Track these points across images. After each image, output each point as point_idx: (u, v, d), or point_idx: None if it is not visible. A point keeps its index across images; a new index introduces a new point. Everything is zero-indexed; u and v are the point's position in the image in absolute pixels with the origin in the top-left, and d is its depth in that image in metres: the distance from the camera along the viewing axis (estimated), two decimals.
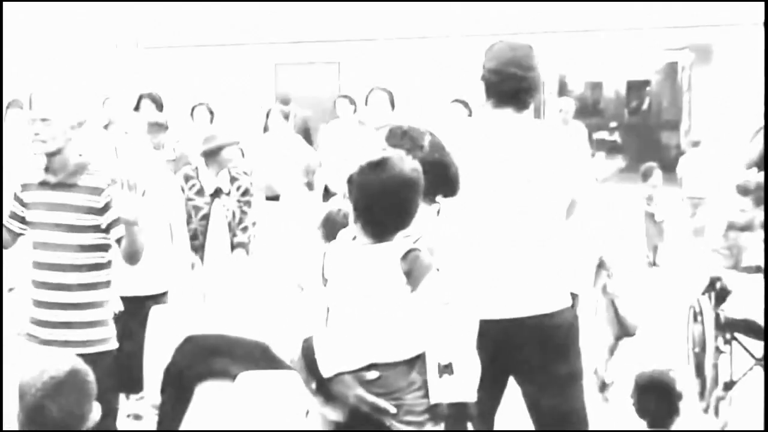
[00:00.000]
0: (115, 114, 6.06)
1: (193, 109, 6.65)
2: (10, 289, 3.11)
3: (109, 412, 2.37)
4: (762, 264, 3.48)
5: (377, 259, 1.42)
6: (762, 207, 3.52)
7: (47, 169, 2.26)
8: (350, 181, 1.50)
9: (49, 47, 8.76)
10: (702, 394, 3.55)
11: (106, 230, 2.23)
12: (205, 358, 2.26)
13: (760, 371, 3.40)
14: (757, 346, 3.47)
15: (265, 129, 6.38)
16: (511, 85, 1.84)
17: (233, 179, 3.71)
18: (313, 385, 1.44)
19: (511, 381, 1.95)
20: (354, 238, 1.50)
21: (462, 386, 1.40)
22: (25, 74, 7.96)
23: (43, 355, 1.53)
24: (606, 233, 3.52)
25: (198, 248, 3.57)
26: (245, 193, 3.74)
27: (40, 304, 2.27)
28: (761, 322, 3.24)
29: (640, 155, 7.58)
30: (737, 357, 3.45)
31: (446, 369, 1.38)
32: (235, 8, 8.88)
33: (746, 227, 3.54)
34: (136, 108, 6.37)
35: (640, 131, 11.25)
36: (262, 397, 1.86)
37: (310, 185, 4.58)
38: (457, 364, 1.39)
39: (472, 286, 1.64)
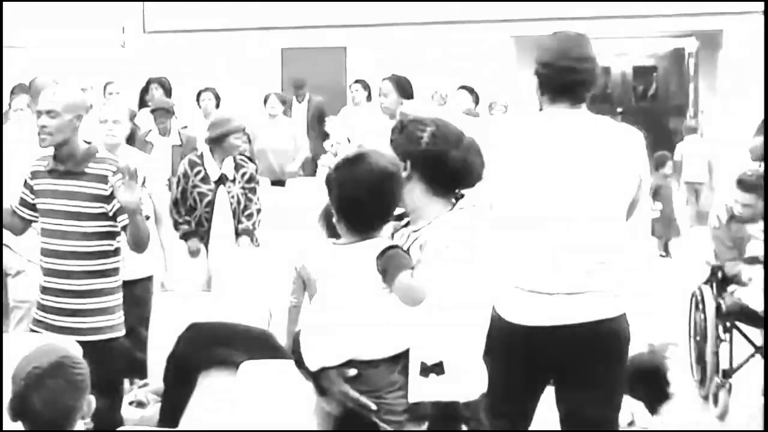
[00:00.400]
0: (115, 99, 6.08)
1: (199, 95, 6.65)
2: (17, 273, 3.14)
3: (117, 398, 2.42)
4: (762, 253, 3.49)
5: (357, 257, 1.42)
6: (764, 200, 3.52)
7: (55, 158, 2.28)
8: (329, 178, 1.50)
9: (54, 31, 8.74)
10: (702, 382, 3.57)
11: (113, 218, 2.25)
12: (208, 346, 2.27)
13: (759, 359, 3.43)
14: (756, 335, 3.50)
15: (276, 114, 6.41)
16: (566, 78, 1.74)
17: (238, 166, 3.70)
18: (307, 378, 1.47)
19: None
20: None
21: (451, 386, 1.38)
22: (29, 58, 7.96)
23: (37, 344, 1.53)
24: None
25: (203, 235, 3.60)
26: (250, 179, 3.73)
27: (48, 291, 2.30)
28: (761, 311, 3.26)
29: (647, 141, 7.50)
30: (737, 345, 3.47)
31: (435, 368, 1.36)
32: None
33: (749, 220, 3.54)
34: (145, 92, 6.40)
35: (647, 117, 11.17)
36: (264, 386, 1.88)
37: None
38: (448, 364, 1.37)
39: (517, 291, 1.71)
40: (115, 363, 2.34)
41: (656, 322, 4.28)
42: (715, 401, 3.37)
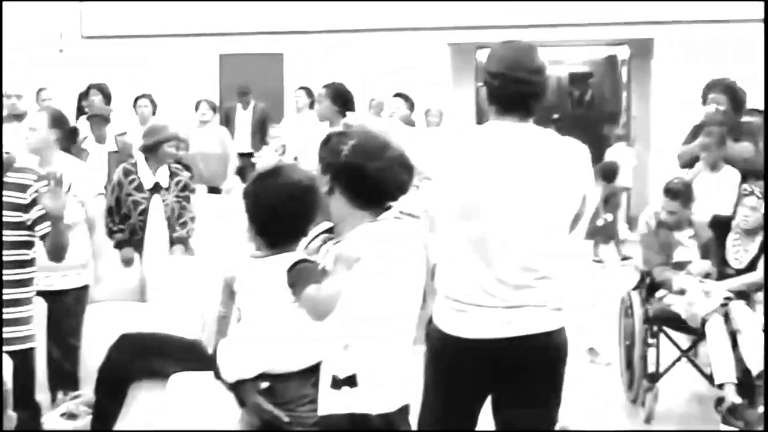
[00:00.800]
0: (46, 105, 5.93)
1: (136, 101, 6.53)
2: None
3: (35, 411, 2.36)
4: (689, 259, 3.65)
5: (272, 270, 1.44)
6: (690, 207, 3.69)
7: None
8: (245, 192, 1.51)
9: None
10: (630, 385, 3.69)
11: (31, 227, 2.22)
12: (139, 357, 2.27)
13: (685, 363, 3.59)
14: (682, 339, 3.65)
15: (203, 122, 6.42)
16: (518, 90, 1.69)
17: (173, 174, 3.68)
18: (228, 389, 1.48)
19: None
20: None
21: (364, 398, 1.38)
22: None
23: None
24: None
25: (137, 244, 3.53)
26: (185, 188, 3.71)
27: None
28: (685, 316, 3.41)
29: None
30: (664, 350, 3.61)
31: (348, 381, 1.37)
32: None
33: (675, 227, 3.70)
34: (84, 98, 6.24)
35: (583, 123, 11.45)
36: (194, 397, 1.86)
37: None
38: (362, 376, 1.38)
39: (456, 304, 1.69)
40: (32, 373, 2.33)
41: (592, 328, 4.44)
42: (643, 404, 3.49)
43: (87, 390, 2.60)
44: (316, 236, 1.57)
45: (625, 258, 6.56)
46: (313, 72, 7.75)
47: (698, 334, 3.44)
